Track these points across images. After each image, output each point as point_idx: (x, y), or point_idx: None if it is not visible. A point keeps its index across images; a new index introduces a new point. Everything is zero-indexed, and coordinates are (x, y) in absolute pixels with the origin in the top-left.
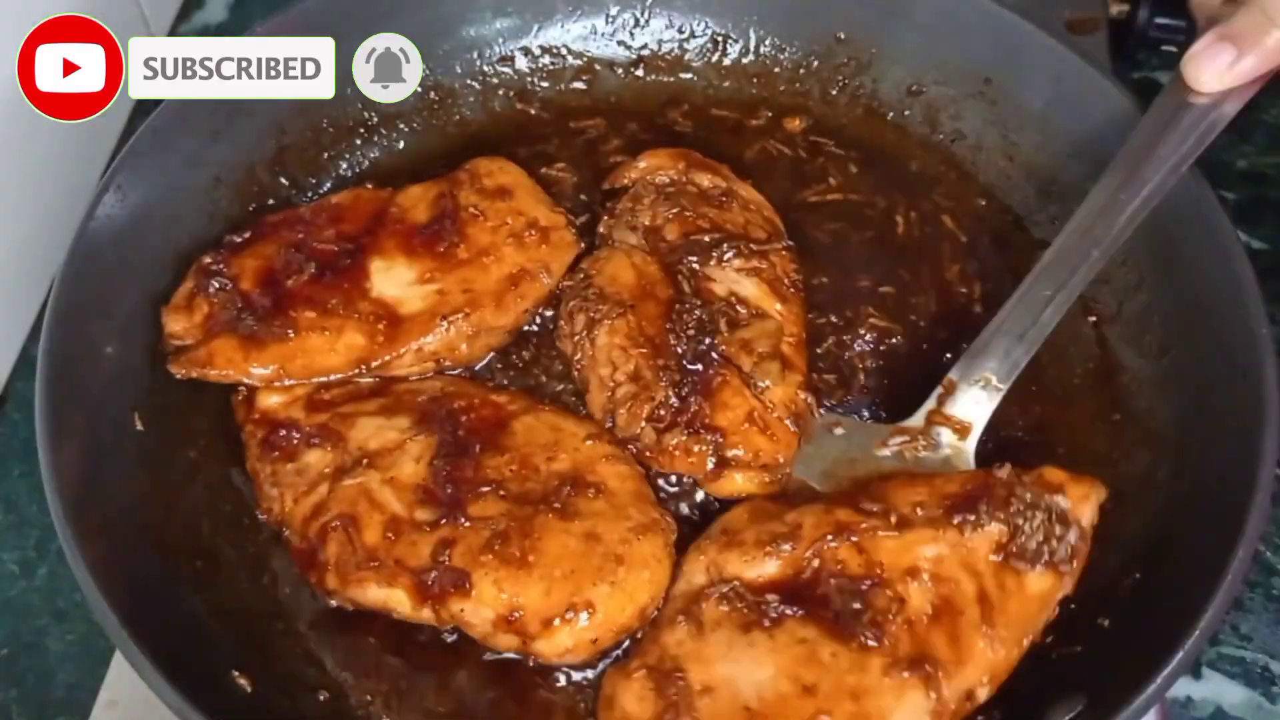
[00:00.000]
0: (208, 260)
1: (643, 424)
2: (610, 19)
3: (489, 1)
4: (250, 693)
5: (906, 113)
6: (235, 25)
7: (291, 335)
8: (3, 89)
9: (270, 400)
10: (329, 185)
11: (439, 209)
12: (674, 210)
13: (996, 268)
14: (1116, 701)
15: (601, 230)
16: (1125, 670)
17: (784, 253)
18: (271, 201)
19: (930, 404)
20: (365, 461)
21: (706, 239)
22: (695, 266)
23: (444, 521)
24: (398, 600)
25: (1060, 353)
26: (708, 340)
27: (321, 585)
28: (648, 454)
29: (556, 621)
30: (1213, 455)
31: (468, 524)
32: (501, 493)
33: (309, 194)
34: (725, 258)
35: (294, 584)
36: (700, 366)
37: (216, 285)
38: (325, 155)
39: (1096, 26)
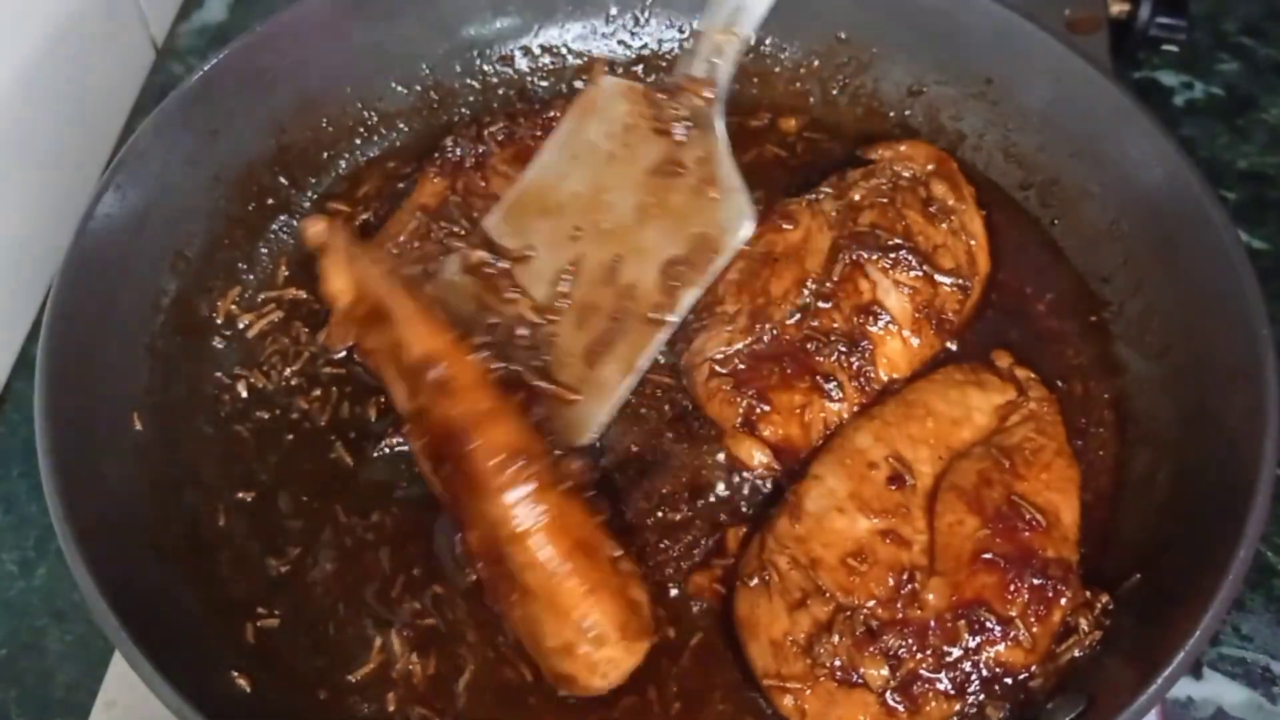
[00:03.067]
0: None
1: (706, 357)
2: (610, 19)
3: (489, 1)
4: (250, 693)
5: (907, 113)
6: (236, 25)
7: None
8: (3, 89)
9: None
10: (329, 184)
11: None
12: (883, 200)
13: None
14: (1117, 702)
15: (826, 187)
16: (1126, 670)
17: (956, 291)
18: (271, 201)
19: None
20: None
21: (890, 239)
22: (861, 258)
23: None
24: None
25: (1059, 353)
26: (814, 327)
27: None
28: (694, 386)
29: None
30: (1213, 455)
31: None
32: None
33: (309, 193)
34: (892, 265)
35: None
36: (792, 348)
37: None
38: (325, 155)
39: (1097, 26)
